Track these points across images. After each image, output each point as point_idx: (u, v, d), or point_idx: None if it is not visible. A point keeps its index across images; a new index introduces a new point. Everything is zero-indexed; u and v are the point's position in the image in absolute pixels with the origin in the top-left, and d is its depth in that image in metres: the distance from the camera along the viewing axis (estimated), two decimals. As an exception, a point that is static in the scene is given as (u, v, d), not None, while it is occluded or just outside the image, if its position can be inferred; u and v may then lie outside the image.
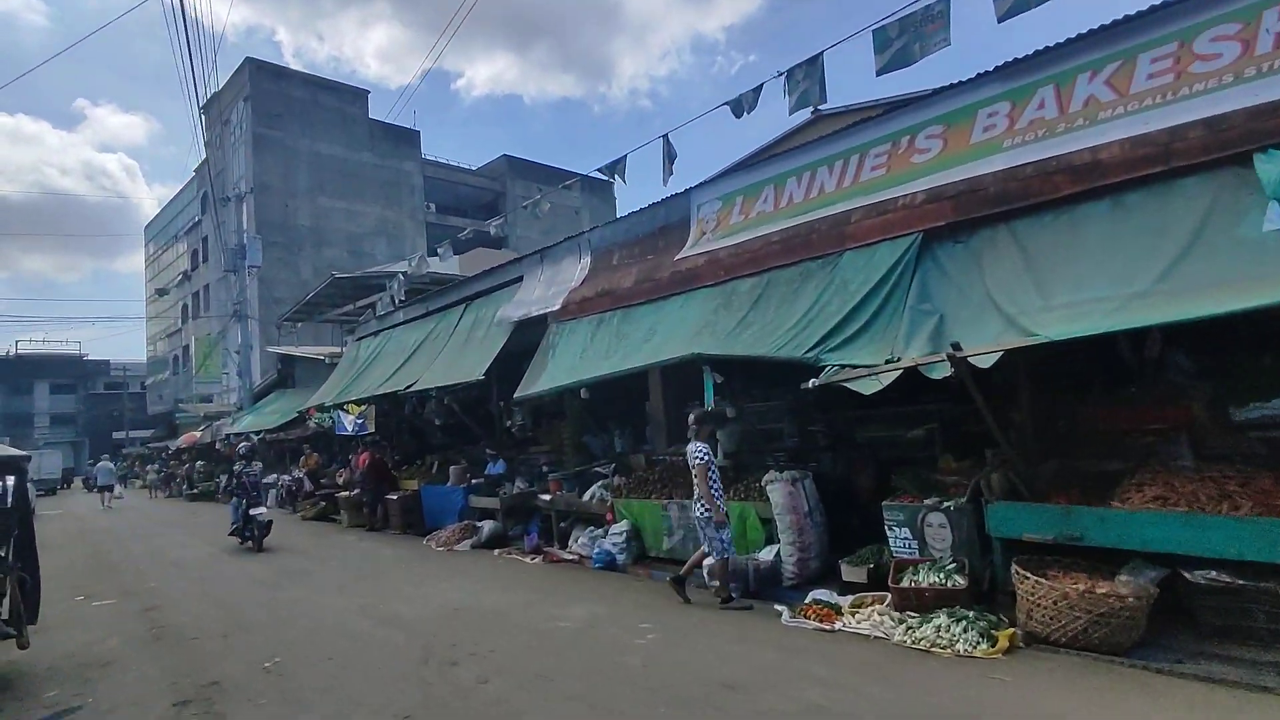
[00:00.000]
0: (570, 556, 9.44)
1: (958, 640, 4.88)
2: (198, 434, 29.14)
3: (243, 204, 29.17)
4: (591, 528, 9.66)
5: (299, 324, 24.51)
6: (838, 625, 5.60)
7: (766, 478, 7.67)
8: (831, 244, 7.30)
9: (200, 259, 43.69)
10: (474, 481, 12.61)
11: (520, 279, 12.33)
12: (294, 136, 38.65)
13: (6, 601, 5.72)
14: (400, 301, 16.33)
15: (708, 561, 7.09)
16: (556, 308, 10.57)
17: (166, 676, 5.70)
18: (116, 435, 51.89)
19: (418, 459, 15.69)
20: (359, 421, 14.41)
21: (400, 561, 10.23)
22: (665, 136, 9.76)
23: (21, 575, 5.86)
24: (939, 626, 5.02)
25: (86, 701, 5.23)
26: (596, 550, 8.99)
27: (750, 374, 8.66)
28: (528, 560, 9.67)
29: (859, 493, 7.97)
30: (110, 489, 25.46)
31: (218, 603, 8.23)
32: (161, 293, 50.62)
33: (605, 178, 12.23)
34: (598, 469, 10.73)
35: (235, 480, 13.21)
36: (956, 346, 5.04)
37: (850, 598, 6.05)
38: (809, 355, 6.36)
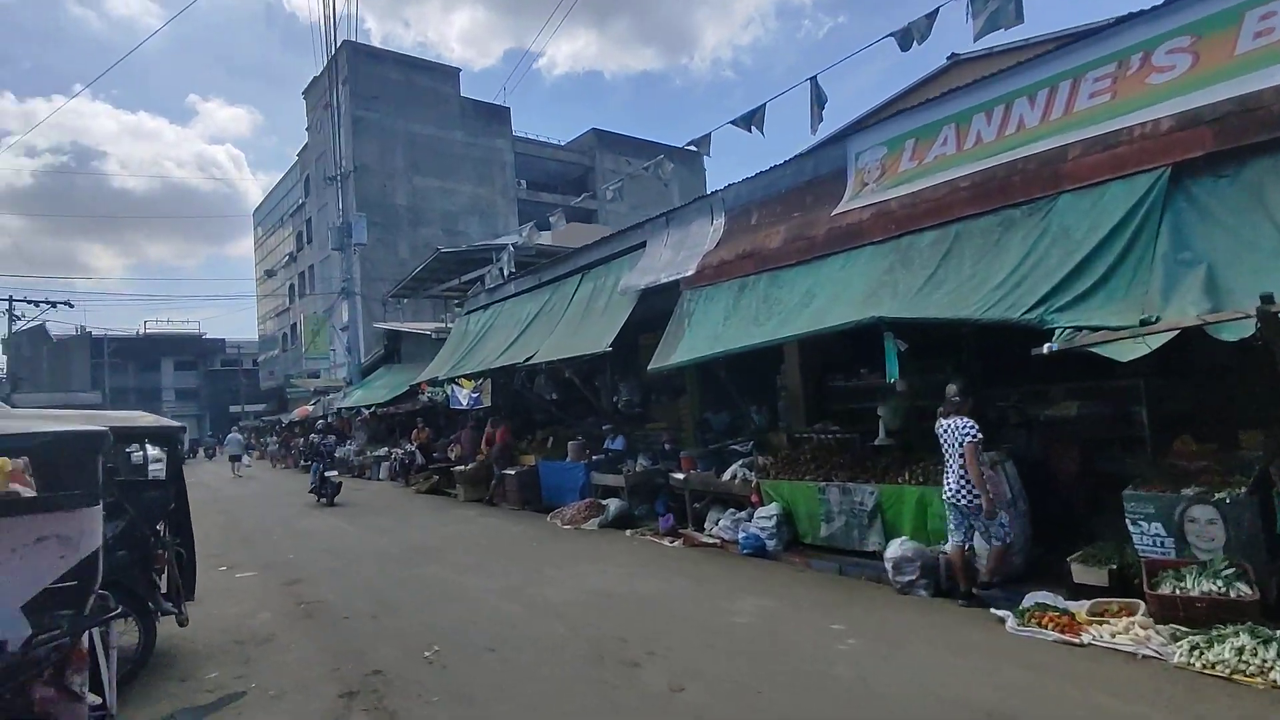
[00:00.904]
0: (710, 540, 8.77)
1: (1273, 667, 3.89)
2: (309, 407, 30.19)
3: (344, 185, 29.73)
4: (732, 509, 8.96)
5: (403, 300, 24.78)
6: (1085, 638, 4.67)
7: (956, 459, 6.74)
8: (1041, 186, 6.21)
9: (305, 241, 45.27)
10: (595, 458, 12.12)
11: (643, 245, 11.64)
12: (390, 117, 39.25)
13: (165, 578, 5.50)
14: (510, 273, 15.98)
15: (899, 550, 6.26)
16: (690, 273, 9.82)
17: (325, 659, 5.37)
18: (233, 409, 54.97)
19: (528, 434, 15.41)
20: (474, 395, 14.18)
21: (530, 540, 9.83)
22: (814, 79, 8.81)
23: (178, 550, 5.65)
24: (1240, 649, 4.04)
25: (250, 686, 4.93)
26: (743, 534, 8.27)
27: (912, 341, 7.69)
28: (664, 542, 9.07)
29: (1060, 478, 6.94)
30: (239, 459, 27.04)
31: (357, 578, 7.99)
32: (270, 274, 52.97)
33: (695, 149, 11.40)
34: (734, 447, 10.00)
35: (313, 449, 16.25)
36: (1269, 299, 3.98)
37: (1085, 604, 5.09)
38: (1029, 317, 5.37)
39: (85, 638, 3.37)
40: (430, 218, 40.24)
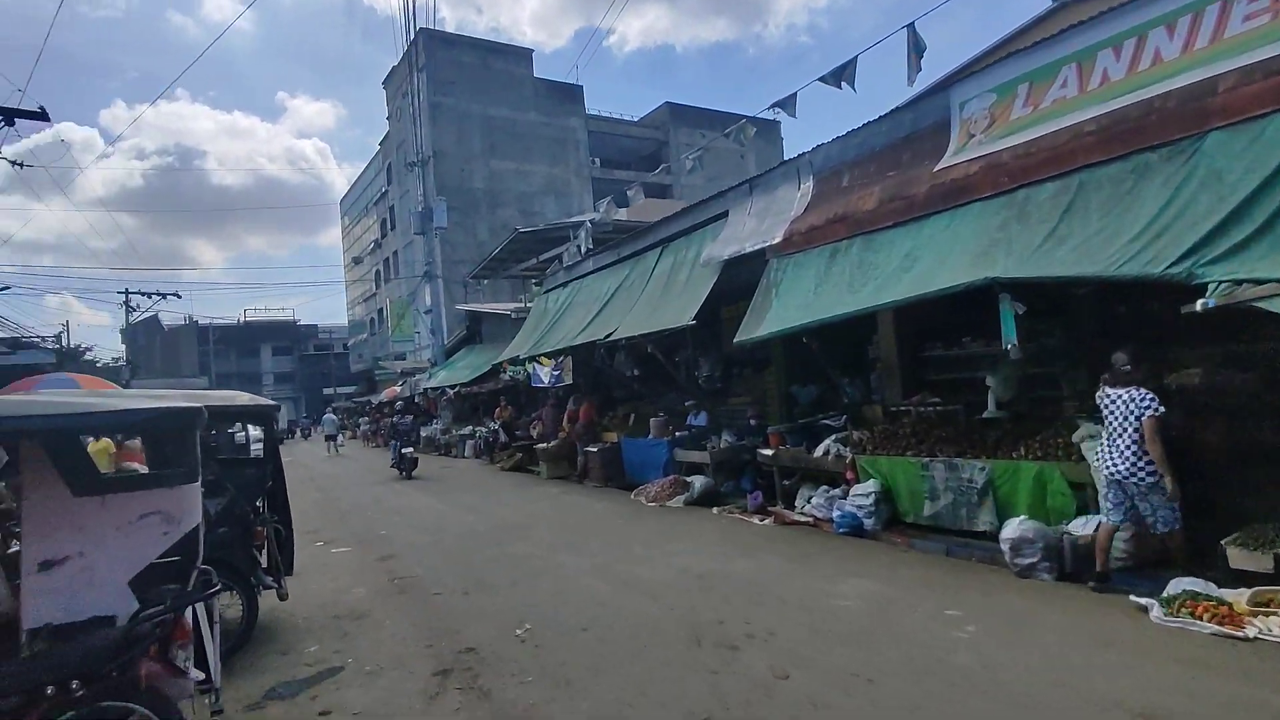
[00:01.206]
0: (803, 518, 8.42)
1: None
2: (397, 388, 31.22)
3: (423, 171, 30.33)
4: (825, 487, 8.56)
5: (483, 281, 25.13)
6: (1250, 631, 4.12)
7: (1080, 432, 6.17)
8: (1183, 125, 5.50)
9: (388, 227, 46.67)
10: (678, 434, 11.91)
11: (725, 215, 11.24)
12: (466, 102, 39.77)
13: (264, 554, 5.61)
14: (588, 250, 15.85)
15: (1018, 530, 5.77)
16: (776, 240, 9.38)
17: (420, 635, 5.36)
18: (326, 391, 57.75)
19: (609, 411, 15.34)
20: (555, 373, 14.17)
21: (616, 517, 9.72)
22: (911, 25, 8.17)
23: (276, 526, 5.75)
24: None
25: (348, 661, 4.95)
26: (838, 513, 7.89)
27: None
28: (754, 520, 8.77)
29: (1199, 452, 6.23)
30: (334, 438, 28.79)
31: (448, 555, 8.06)
32: (357, 261, 54.99)
33: (773, 117, 10.82)
34: (825, 421, 9.56)
35: (392, 428, 19.30)
36: None
37: (1243, 593, 4.51)
38: (1175, 271, 4.76)
39: (189, 613, 3.37)
40: (507, 199, 40.71)
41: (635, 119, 48.17)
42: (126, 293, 38.09)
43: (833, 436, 8.80)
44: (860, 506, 7.71)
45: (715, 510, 9.58)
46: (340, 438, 30.73)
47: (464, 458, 21.14)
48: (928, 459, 7.24)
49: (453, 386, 23.64)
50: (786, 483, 9.27)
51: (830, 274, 8.16)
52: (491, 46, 42.51)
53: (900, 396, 9.14)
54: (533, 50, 43.52)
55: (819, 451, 8.73)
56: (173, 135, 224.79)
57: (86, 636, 3.20)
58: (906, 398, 8.96)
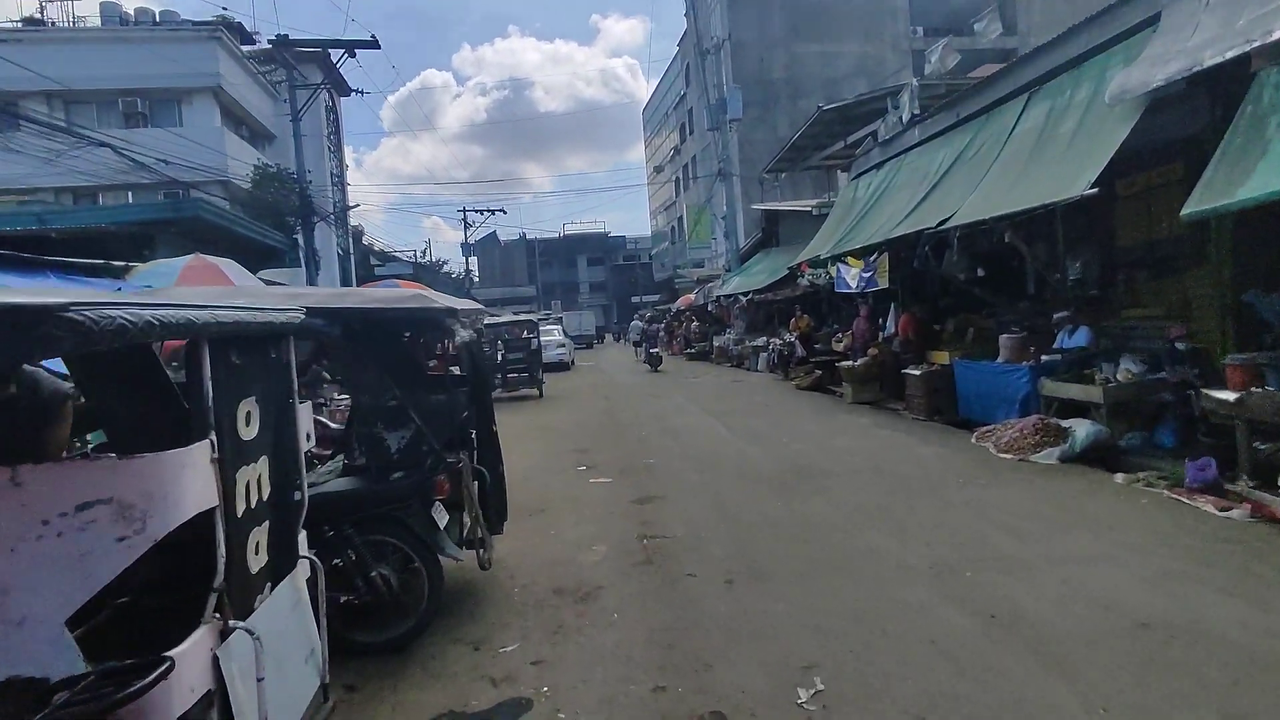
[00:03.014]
0: (1307, 514, 4.85)
1: None
2: (691, 296, 30.40)
3: (718, 58, 27.89)
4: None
5: (780, 176, 22.41)
6: None
7: None
8: None
9: (687, 132, 45.50)
10: (1043, 358, 8.45)
11: (1153, 19, 7.15)
12: (768, -19, 35.94)
13: (467, 508, 4.11)
14: (912, 116, 12.30)
15: None
16: (1272, 38, 5.36)
17: (651, 659, 3.49)
18: (633, 300, 60.40)
19: (933, 324, 12.02)
20: (865, 275, 11.30)
21: (953, 473, 6.90)
22: None
23: (478, 470, 4.21)
24: None
25: (541, 692, 3.25)
26: None
27: None
28: (1205, 507, 5.36)
29: None
30: (640, 345, 29.06)
31: (719, 507, 6.14)
32: (658, 170, 55.35)
33: None
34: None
35: (641, 333, 26.43)
36: None
37: None
38: None
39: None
40: (810, 87, 36.49)
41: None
42: (465, 210, 42.70)
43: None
44: None
45: (1120, 478, 6.26)
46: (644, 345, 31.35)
47: (756, 371, 19.33)
48: None
49: (746, 293, 21.75)
50: (1262, 448, 5.61)
51: None
52: (794, -87, 37.58)
53: None
54: (844, -93, 37.53)
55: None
56: (506, 70, 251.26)
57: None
58: None
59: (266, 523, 2.37)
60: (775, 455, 8.17)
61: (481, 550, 4.12)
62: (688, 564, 4.78)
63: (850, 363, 12.38)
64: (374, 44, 20.70)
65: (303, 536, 2.69)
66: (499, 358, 16.25)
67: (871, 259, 11.19)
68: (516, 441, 10.34)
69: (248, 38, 28.76)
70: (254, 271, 11.11)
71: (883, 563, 4.57)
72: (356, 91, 33.35)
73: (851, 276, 11.81)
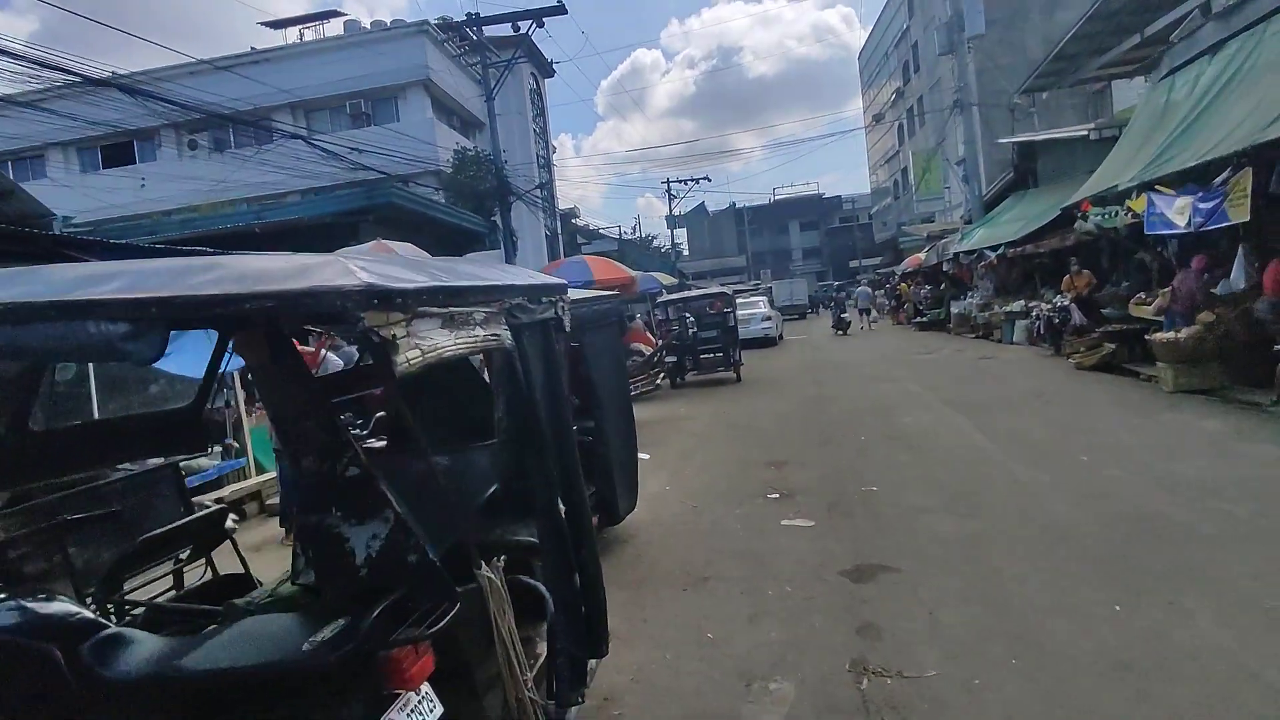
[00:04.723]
0: None
1: None
2: (920, 256, 26.18)
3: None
4: None
5: (1043, 95, 17.88)
6: None
7: None
8: None
9: (911, 70, 39.97)
10: None
11: None
12: None
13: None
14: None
15: None
16: None
17: None
18: (851, 264, 55.59)
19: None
20: (1205, 205, 7.61)
21: None
22: None
23: (529, 587, 2.18)
24: None
25: None
26: None
27: None
28: None
29: None
30: (867, 312, 26.86)
31: (999, 608, 3.63)
32: (877, 119, 49.80)
33: None
34: None
35: (832, 299, 29.62)
36: None
37: None
38: None
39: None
40: (1071, -5, 29.83)
41: None
42: (668, 181, 41.48)
43: None
44: None
45: None
46: (873, 313, 27.90)
47: (1011, 344, 15.46)
48: None
49: (995, 248, 17.64)
50: None
51: None
52: None
53: None
54: None
55: None
56: (714, 39, 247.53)
57: None
58: None
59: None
60: (1076, 488, 5.30)
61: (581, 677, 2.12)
62: (924, 703, 2.40)
63: (1171, 334, 8.68)
64: (561, 9, 19.76)
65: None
66: (691, 335, 14.33)
67: (1219, 182, 7.47)
68: (695, 448, 8.31)
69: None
70: (459, 255, 11.25)
71: None
72: (553, 63, 32.86)
73: (1177, 210, 8.12)
